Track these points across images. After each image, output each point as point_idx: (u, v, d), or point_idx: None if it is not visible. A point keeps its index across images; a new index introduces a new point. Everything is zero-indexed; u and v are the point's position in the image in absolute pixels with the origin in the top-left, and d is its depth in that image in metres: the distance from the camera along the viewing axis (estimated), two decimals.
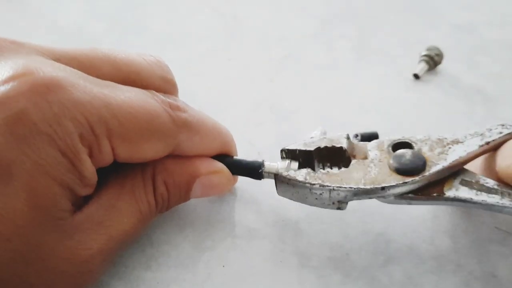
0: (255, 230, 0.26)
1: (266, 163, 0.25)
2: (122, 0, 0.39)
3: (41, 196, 0.19)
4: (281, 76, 0.34)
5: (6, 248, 0.19)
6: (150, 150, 0.22)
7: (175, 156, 0.24)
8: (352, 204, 0.24)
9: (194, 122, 0.23)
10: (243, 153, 0.27)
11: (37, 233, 0.19)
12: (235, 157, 0.26)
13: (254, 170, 0.25)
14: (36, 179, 0.19)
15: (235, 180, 0.27)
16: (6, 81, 0.19)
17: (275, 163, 0.25)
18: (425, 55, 0.35)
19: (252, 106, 0.32)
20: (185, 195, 0.24)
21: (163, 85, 0.24)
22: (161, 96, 0.23)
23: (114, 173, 0.23)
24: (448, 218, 0.26)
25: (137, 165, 0.23)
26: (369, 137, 0.26)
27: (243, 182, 0.27)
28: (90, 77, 0.21)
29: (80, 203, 0.21)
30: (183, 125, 0.23)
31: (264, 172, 0.25)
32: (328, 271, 0.24)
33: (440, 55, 0.35)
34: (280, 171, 0.24)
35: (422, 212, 0.26)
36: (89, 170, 0.20)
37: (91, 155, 0.20)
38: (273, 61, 0.35)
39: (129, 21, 0.37)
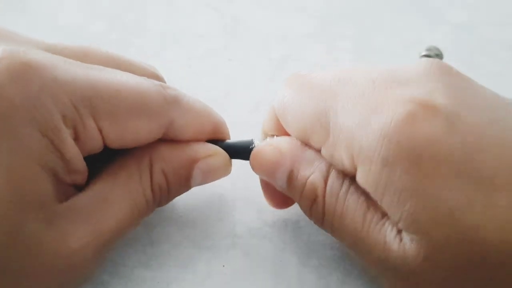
0: (255, 230, 0.26)
1: (256, 141, 0.24)
2: (122, 0, 0.39)
3: (21, 179, 0.18)
4: (281, 76, 0.34)
5: None
6: (142, 131, 0.21)
7: (170, 143, 0.23)
8: None
9: (185, 99, 0.23)
10: None
11: (18, 220, 0.18)
12: (227, 140, 0.25)
13: (245, 150, 0.24)
14: (15, 161, 0.18)
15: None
16: None
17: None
18: (424, 55, 0.35)
19: (252, 106, 0.32)
20: (186, 183, 0.24)
21: (154, 78, 0.23)
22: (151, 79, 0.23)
23: (108, 164, 0.22)
24: None
25: (132, 155, 0.22)
26: None
27: (244, 180, 0.27)
28: (77, 61, 0.21)
29: (70, 193, 0.20)
30: (174, 101, 0.22)
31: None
32: (328, 270, 0.24)
33: (440, 55, 0.35)
34: None
35: None
36: (73, 153, 0.20)
37: (77, 137, 0.20)
38: (273, 61, 0.35)
39: (129, 21, 0.37)
